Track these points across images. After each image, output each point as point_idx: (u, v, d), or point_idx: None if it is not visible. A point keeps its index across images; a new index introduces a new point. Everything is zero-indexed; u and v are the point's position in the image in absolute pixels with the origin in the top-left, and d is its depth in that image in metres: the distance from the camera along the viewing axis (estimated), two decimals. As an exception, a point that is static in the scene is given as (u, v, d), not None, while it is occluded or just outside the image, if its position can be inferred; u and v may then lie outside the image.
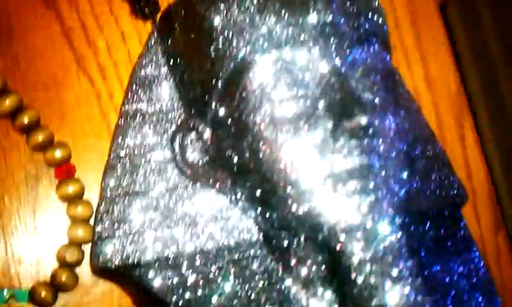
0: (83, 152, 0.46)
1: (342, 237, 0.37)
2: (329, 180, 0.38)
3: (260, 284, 0.41)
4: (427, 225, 0.46)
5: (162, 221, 0.42)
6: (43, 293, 0.42)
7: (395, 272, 0.36)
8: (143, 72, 0.45)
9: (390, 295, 0.36)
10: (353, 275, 0.37)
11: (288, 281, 0.41)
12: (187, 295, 0.40)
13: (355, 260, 0.37)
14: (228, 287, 0.41)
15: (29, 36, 0.47)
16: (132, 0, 0.48)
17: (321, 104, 0.39)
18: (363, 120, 0.37)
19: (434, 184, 0.48)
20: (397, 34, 0.56)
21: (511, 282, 0.55)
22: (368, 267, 0.36)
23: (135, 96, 0.45)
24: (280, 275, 0.41)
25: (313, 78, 0.39)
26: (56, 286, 0.42)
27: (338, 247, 0.38)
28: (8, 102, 0.44)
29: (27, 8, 0.48)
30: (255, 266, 0.42)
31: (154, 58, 0.45)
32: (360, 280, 0.36)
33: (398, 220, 0.39)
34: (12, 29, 0.47)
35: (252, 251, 0.42)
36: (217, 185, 0.42)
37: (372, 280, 0.36)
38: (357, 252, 0.37)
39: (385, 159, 0.39)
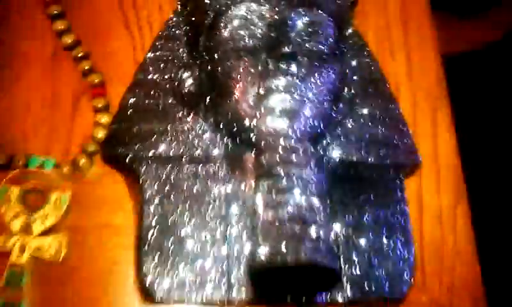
0: (117, 85, 0.62)
1: (267, 139, 0.50)
2: (260, 95, 0.51)
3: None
4: (352, 167, 0.57)
5: (160, 132, 0.57)
6: (65, 168, 0.57)
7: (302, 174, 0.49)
8: (166, 32, 0.62)
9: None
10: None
11: (236, 178, 0.54)
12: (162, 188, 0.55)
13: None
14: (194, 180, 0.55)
15: (93, 2, 0.66)
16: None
17: (264, 42, 0.53)
18: (286, 49, 0.50)
19: (377, 135, 0.58)
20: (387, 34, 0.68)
21: (464, 245, 0.60)
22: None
23: (158, 47, 0.62)
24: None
25: (264, 25, 0.53)
26: (75, 166, 0.58)
27: (263, 147, 0.50)
28: (69, 39, 0.63)
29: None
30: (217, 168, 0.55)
31: (176, 22, 0.62)
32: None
33: (312, 134, 0.51)
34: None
35: (217, 156, 0.56)
36: (197, 108, 0.57)
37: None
38: (275, 149, 0.49)
39: (309, 84, 0.51)
